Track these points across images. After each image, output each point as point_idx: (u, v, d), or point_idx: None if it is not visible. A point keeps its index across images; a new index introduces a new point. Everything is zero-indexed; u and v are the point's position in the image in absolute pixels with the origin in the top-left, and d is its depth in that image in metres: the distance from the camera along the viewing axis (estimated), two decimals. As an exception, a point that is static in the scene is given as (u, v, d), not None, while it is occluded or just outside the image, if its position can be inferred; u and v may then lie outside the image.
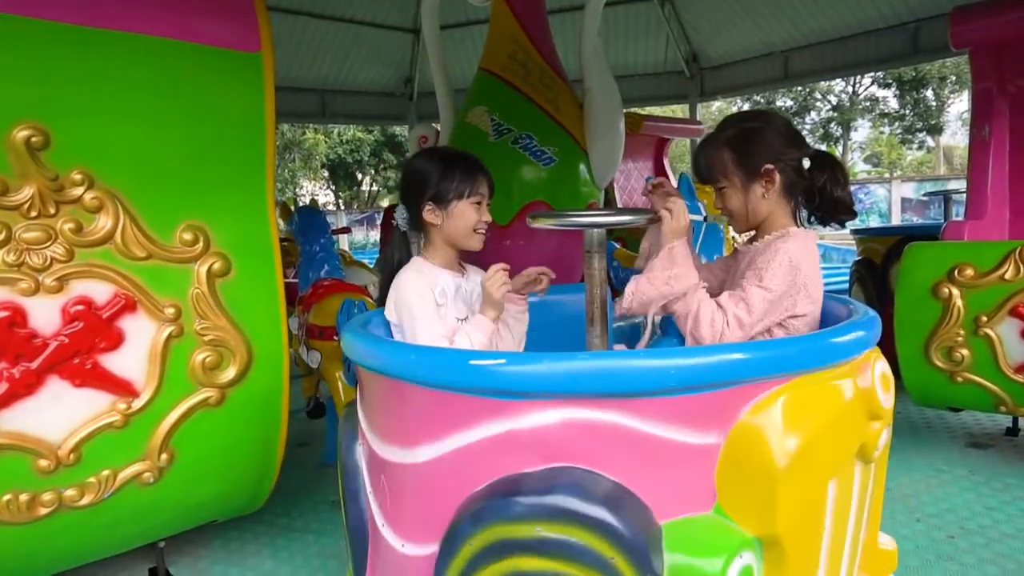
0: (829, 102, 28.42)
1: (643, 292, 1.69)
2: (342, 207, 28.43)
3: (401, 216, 1.94)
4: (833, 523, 1.31)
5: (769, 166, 1.72)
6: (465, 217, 1.88)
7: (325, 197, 30.02)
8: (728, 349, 1.36)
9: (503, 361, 1.30)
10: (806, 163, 1.73)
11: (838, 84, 27.45)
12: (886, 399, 1.39)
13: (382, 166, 27.75)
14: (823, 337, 1.38)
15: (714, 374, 1.21)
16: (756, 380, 1.22)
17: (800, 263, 1.65)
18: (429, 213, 1.89)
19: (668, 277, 1.66)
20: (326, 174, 28.81)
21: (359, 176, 29.32)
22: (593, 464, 1.23)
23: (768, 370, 1.23)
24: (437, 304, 1.84)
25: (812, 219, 1.81)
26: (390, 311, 1.87)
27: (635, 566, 1.13)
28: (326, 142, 26.20)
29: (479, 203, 1.90)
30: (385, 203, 28.05)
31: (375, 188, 29.58)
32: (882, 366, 1.42)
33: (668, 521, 1.21)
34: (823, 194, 1.74)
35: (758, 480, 1.17)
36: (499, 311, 1.83)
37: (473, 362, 1.32)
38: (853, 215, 1.77)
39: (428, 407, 1.38)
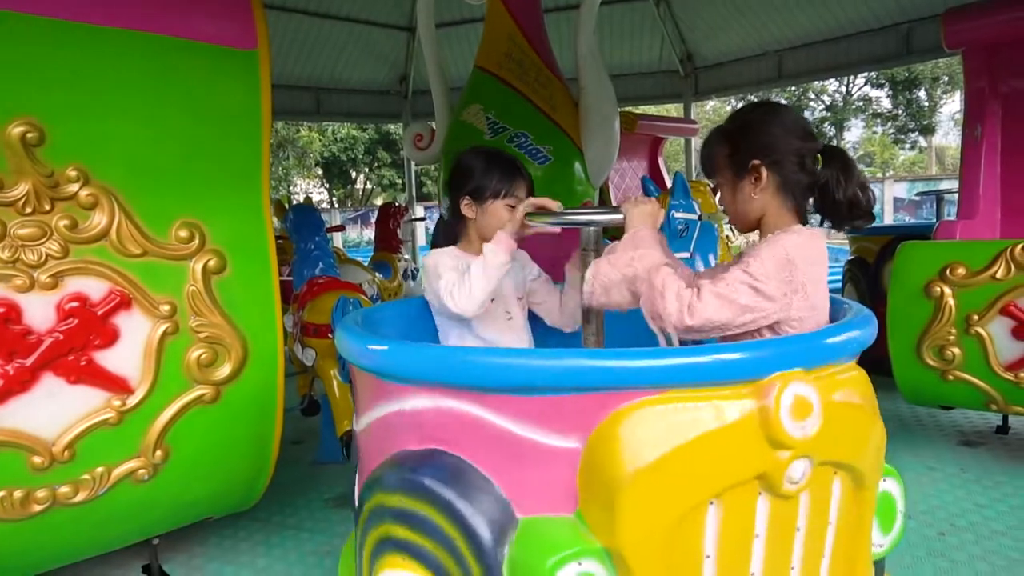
0: (823, 102, 28.50)
1: (604, 274, 1.58)
2: (336, 205, 28.36)
3: (444, 204, 2.07)
4: (720, 554, 1.21)
5: (755, 162, 1.57)
6: (498, 216, 1.94)
7: (319, 195, 29.95)
8: (591, 355, 1.30)
9: (387, 348, 1.44)
10: (809, 160, 1.57)
11: (831, 84, 27.54)
12: (796, 428, 1.17)
13: (376, 164, 27.69)
14: (702, 352, 1.24)
15: (571, 378, 1.21)
16: (618, 389, 1.19)
17: (798, 259, 1.47)
18: (466, 207, 1.99)
19: (631, 259, 1.55)
20: (320, 172, 28.73)
21: (353, 174, 29.25)
22: (462, 451, 1.32)
23: (630, 380, 1.20)
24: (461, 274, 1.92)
25: (825, 222, 1.67)
26: (427, 293, 2.00)
27: (474, 551, 1.20)
28: (320, 140, 26.12)
29: (513, 205, 1.94)
30: (379, 201, 27.99)
31: (369, 186, 29.51)
32: (800, 391, 1.20)
33: (527, 517, 1.25)
34: (826, 194, 1.57)
35: (604, 489, 1.16)
36: (508, 240, 1.85)
37: (370, 347, 1.47)
38: (869, 217, 1.59)
39: (360, 384, 1.64)
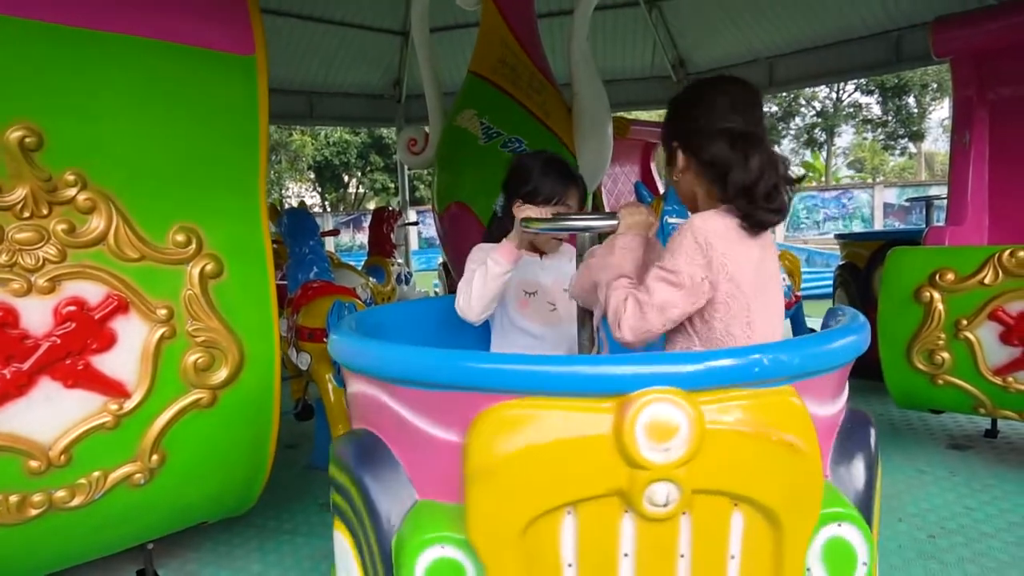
0: (813, 108, 28.71)
1: (580, 277, 1.68)
2: (328, 209, 28.32)
3: (498, 203, 2.12)
4: (582, 566, 1.23)
5: (674, 143, 1.58)
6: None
7: (311, 199, 29.90)
8: (465, 357, 1.32)
9: (336, 338, 1.60)
10: (739, 143, 1.46)
11: (822, 91, 27.75)
12: (651, 450, 1.13)
13: (369, 168, 27.68)
14: (564, 362, 1.27)
15: (450, 377, 1.27)
16: (486, 391, 1.22)
17: (710, 238, 1.42)
18: (518, 208, 2.00)
19: (602, 266, 1.57)
20: (312, 176, 28.70)
21: (346, 178, 29.23)
22: (381, 433, 1.46)
23: (496, 383, 1.22)
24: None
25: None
26: None
27: (372, 524, 1.35)
28: (313, 144, 26.11)
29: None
30: (371, 205, 27.98)
31: (362, 190, 29.50)
32: (661, 412, 1.15)
33: (423, 499, 1.35)
34: (726, 181, 1.47)
35: (464, 483, 1.21)
36: (518, 241, 1.90)
37: (331, 336, 1.65)
38: (770, 214, 1.47)
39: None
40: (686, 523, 1.22)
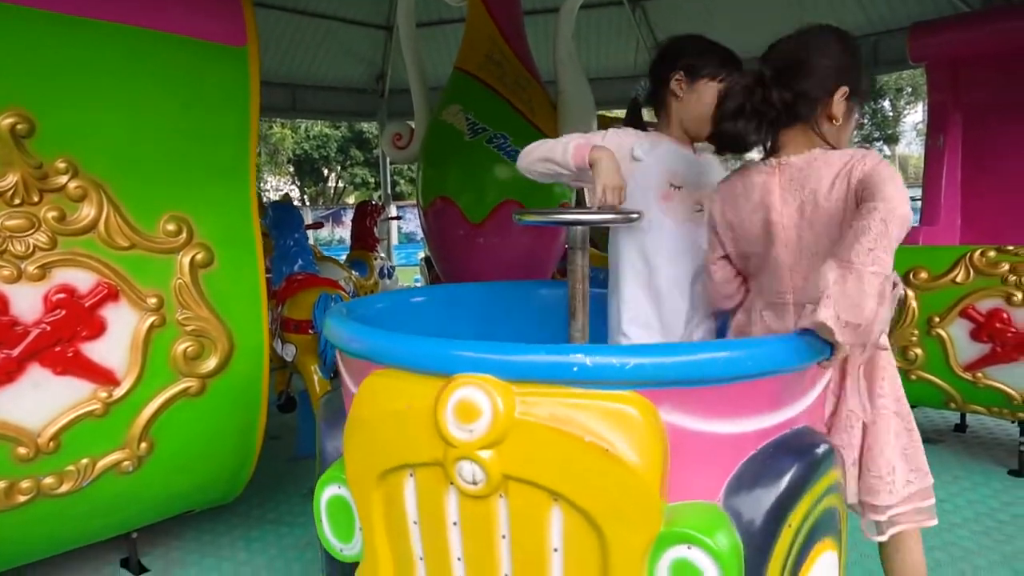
0: (792, 109, 29.00)
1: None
2: (307, 203, 28.12)
3: (643, 88, 2.00)
4: (423, 525, 1.36)
5: (843, 88, 1.67)
6: (707, 99, 1.84)
7: (290, 193, 29.65)
8: (362, 332, 1.48)
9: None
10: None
11: (801, 91, 28.02)
12: (457, 428, 1.22)
13: (348, 163, 27.51)
14: (413, 342, 1.36)
15: (353, 346, 1.48)
16: (369, 360, 1.42)
17: None
18: (676, 83, 1.90)
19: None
20: (292, 169, 28.46)
21: (325, 172, 29.03)
22: (344, 393, 1.63)
23: (372, 355, 1.42)
24: (633, 158, 1.88)
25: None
26: None
27: (321, 464, 1.60)
28: (292, 137, 25.89)
29: None
30: (351, 200, 27.82)
31: (341, 184, 29.32)
32: (467, 395, 1.22)
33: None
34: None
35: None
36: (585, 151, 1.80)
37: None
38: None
39: None
40: (504, 506, 1.27)
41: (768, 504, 1.26)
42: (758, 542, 1.23)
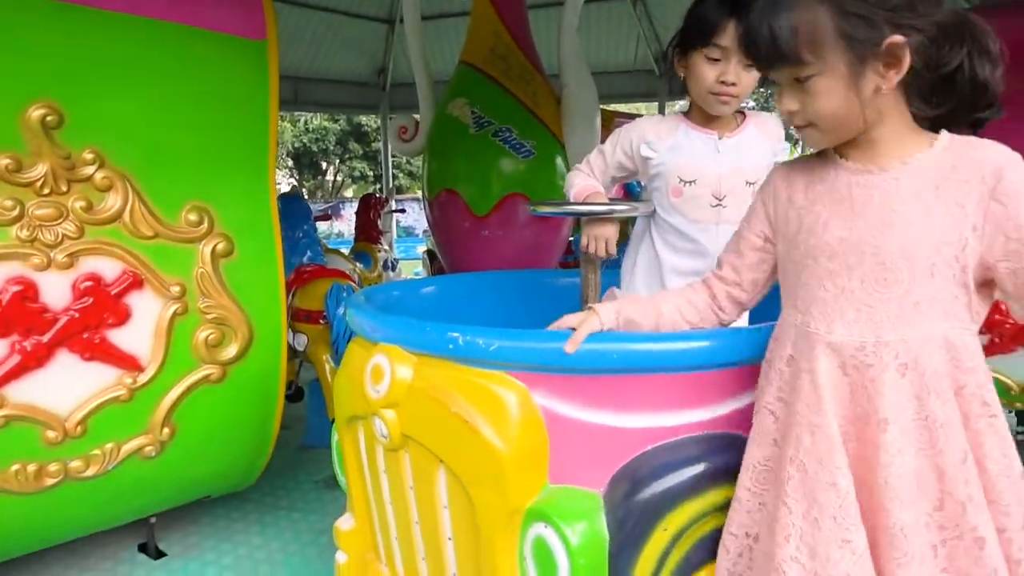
0: (789, 104, 29.03)
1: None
2: (306, 196, 28.08)
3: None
4: (368, 466, 1.63)
5: (899, 38, 0.99)
6: (699, 73, 1.66)
7: (288, 186, 29.61)
8: (356, 306, 1.70)
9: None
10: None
11: (798, 87, 28.07)
12: (371, 388, 1.44)
13: (347, 156, 27.49)
14: (369, 315, 1.60)
15: (356, 325, 1.68)
16: (357, 332, 1.68)
17: None
18: (678, 65, 1.73)
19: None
20: (290, 162, 28.43)
21: (324, 165, 29.01)
22: None
23: (354, 326, 1.68)
24: (643, 156, 1.79)
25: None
26: None
27: None
28: (292, 130, 25.86)
29: (718, 59, 1.63)
30: (349, 193, 27.82)
31: (339, 178, 29.29)
32: (379, 361, 1.43)
33: None
34: (959, 78, 1.05)
35: None
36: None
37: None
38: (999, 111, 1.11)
39: None
40: (408, 461, 1.47)
41: (640, 501, 1.24)
42: (626, 538, 1.23)
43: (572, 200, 1.85)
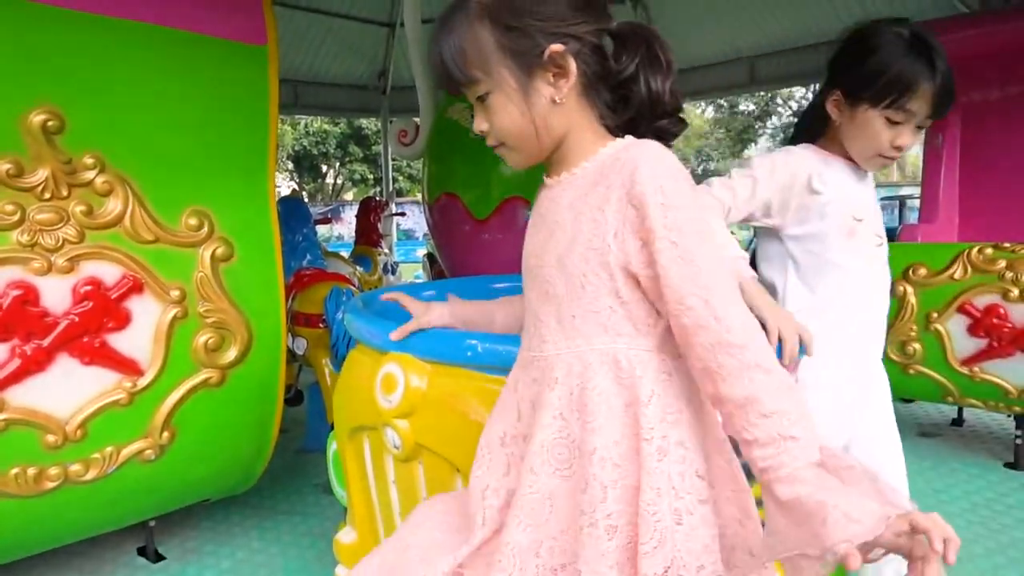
0: (790, 108, 29.11)
1: None
2: (306, 199, 28.09)
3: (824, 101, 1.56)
4: (374, 477, 1.61)
5: (558, 46, 0.98)
6: (869, 131, 1.47)
7: (287, 189, 29.64)
8: (361, 318, 1.67)
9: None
10: (608, 41, 1.03)
11: (798, 91, 28.13)
12: (383, 398, 1.40)
13: (347, 159, 27.51)
14: (371, 323, 1.60)
15: (358, 333, 1.68)
16: (358, 340, 1.68)
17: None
18: (832, 104, 1.53)
19: None
20: (290, 165, 28.45)
21: (324, 168, 29.04)
22: None
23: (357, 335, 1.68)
24: (812, 190, 1.51)
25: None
26: None
27: None
28: (292, 133, 25.89)
29: (899, 123, 1.44)
30: (349, 196, 27.84)
31: (340, 181, 29.32)
32: (389, 370, 1.40)
33: None
34: (635, 87, 1.03)
35: None
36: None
37: None
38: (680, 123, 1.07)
39: None
40: (422, 471, 1.45)
41: None
42: None
43: None
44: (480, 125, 1.06)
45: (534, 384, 1.03)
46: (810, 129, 1.63)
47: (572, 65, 0.98)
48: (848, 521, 0.75)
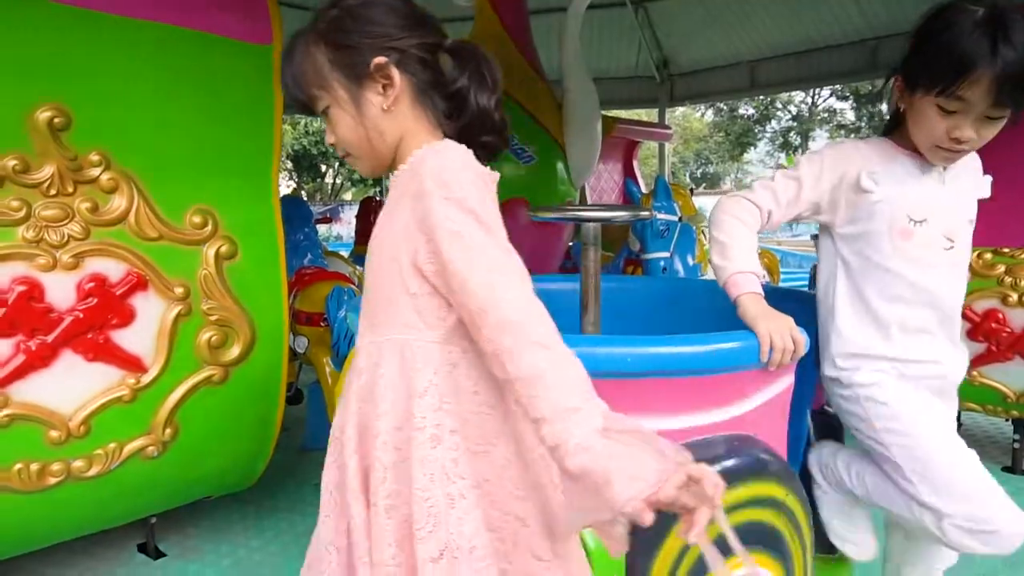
0: (789, 112, 29.19)
1: None
2: (305, 199, 28.10)
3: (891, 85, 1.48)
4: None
5: (382, 59, 1.07)
6: (925, 121, 1.38)
7: (287, 188, 29.66)
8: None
9: None
10: (442, 55, 1.12)
11: (798, 95, 28.23)
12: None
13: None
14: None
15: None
16: None
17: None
18: (896, 88, 1.45)
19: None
20: (290, 165, 28.48)
21: (323, 168, 29.06)
22: None
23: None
24: (861, 189, 1.45)
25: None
26: None
27: None
28: (291, 132, 25.91)
29: (953, 112, 1.33)
30: (348, 196, 27.86)
31: (339, 181, 29.35)
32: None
33: None
34: (468, 99, 1.10)
35: None
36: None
37: None
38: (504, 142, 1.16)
39: None
40: None
41: None
42: (643, 539, 1.21)
43: (722, 282, 1.52)
44: (328, 138, 1.15)
45: (351, 372, 1.12)
46: (891, 120, 1.54)
47: (396, 75, 1.07)
48: (632, 480, 0.80)
